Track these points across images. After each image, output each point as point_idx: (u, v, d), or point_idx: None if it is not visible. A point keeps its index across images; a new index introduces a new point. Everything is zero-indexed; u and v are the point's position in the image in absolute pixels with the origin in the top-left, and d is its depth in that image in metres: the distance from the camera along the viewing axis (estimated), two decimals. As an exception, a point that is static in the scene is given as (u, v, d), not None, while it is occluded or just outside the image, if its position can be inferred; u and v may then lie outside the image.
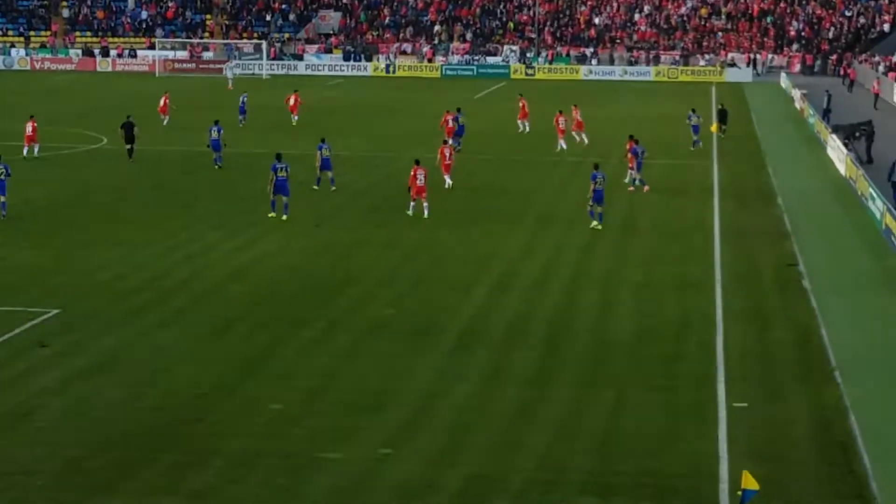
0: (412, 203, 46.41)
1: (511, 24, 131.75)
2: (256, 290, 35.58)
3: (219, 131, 57.85)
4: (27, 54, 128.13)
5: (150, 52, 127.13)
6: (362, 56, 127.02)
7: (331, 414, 25.54)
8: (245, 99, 76.57)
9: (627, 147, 53.56)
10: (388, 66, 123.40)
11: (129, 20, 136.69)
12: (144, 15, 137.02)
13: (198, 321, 32.30)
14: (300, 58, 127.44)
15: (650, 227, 45.65)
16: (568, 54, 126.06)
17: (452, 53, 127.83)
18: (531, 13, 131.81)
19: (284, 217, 45.16)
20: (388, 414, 25.54)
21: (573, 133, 67.07)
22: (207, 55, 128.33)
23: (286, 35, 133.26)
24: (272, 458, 23.05)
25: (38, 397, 26.23)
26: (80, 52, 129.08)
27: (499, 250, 41.26)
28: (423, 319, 32.69)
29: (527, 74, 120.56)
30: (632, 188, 52.79)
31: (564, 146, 64.89)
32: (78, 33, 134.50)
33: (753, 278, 37.81)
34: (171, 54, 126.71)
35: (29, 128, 60.88)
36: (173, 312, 33.13)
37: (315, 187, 51.71)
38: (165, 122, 74.54)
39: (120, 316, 32.64)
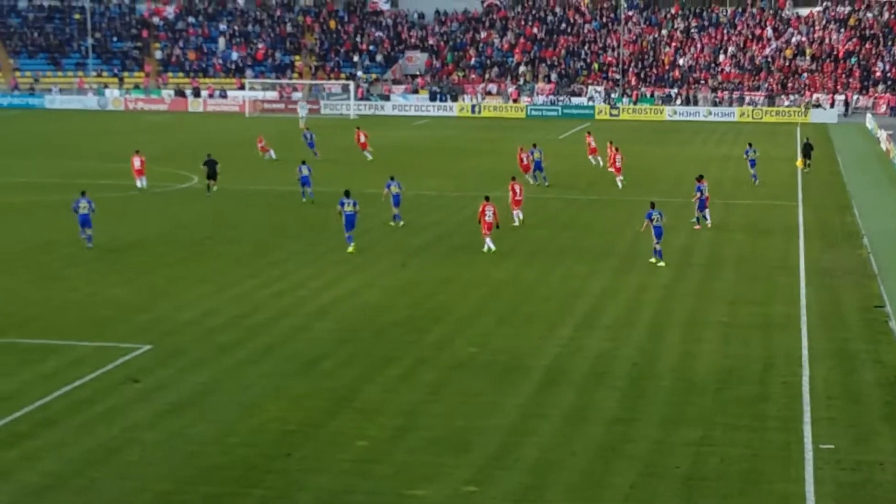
0: (488, 239, 47.41)
1: (596, 65, 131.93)
2: (343, 328, 35.93)
3: (308, 170, 58.98)
4: (121, 95, 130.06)
5: (240, 93, 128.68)
6: (448, 96, 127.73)
7: (416, 451, 25.74)
8: (311, 136, 77.92)
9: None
10: (473, 107, 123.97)
11: (219, 61, 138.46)
12: (235, 56, 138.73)
13: (285, 358, 32.68)
14: (387, 98, 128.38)
15: (735, 266, 45.56)
16: (652, 95, 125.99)
17: (537, 94, 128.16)
18: (616, 54, 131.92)
19: (350, 248, 46.78)
20: (474, 451, 25.71)
21: (611, 171, 68.58)
22: (296, 95, 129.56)
23: (373, 76, 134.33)
24: (358, 495, 23.27)
25: (130, 432, 26.66)
26: (172, 92, 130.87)
27: (583, 289, 41.38)
28: (507, 357, 32.87)
29: (611, 115, 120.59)
30: (697, 226, 52.90)
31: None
32: (170, 74, 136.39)
33: (839, 319, 37.62)
34: (260, 95, 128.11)
35: (137, 162, 64.51)
36: (261, 349, 33.55)
37: (391, 223, 52.32)
38: (268, 158, 76.05)
39: (209, 352, 33.11)
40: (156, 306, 38.21)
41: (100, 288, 40.68)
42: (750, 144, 69.98)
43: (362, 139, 79.10)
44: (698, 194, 53.09)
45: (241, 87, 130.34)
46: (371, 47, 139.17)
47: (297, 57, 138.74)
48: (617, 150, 68.84)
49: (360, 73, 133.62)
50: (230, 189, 63.54)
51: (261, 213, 57.15)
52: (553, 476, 24.39)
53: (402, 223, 53.09)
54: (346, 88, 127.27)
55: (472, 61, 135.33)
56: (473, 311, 38.20)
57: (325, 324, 36.46)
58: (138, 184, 64.13)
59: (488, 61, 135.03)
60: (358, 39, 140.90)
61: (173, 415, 27.81)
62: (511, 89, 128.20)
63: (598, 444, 26.20)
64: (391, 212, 53.22)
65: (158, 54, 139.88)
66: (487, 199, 48.16)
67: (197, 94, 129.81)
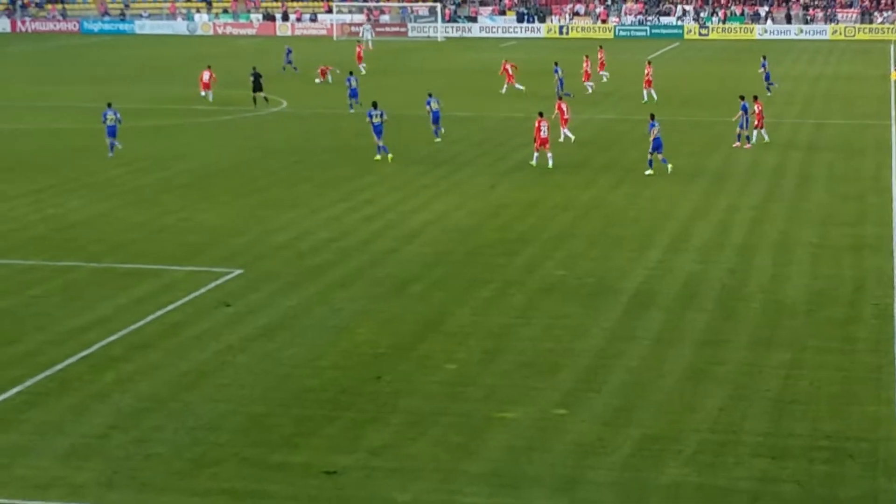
0: (536, 154, 48.30)
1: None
2: (432, 251, 36.08)
3: (356, 80, 61.79)
4: (210, 20, 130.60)
5: (328, 16, 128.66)
6: (536, 17, 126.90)
7: (505, 374, 25.87)
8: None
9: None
10: (561, 28, 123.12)
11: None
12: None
13: (375, 281, 32.90)
14: (474, 20, 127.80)
15: (826, 186, 45.12)
16: (742, 13, 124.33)
17: (626, 14, 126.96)
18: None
19: (389, 157, 49.54)
20: (562, 374, 25.80)
21: (645, 91, 69.68)
22: (384, 19, 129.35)
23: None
24: (448, 417, 23.46)
25: (223, 355, 27.02)
26: (260, 16, 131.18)
27: (672, 210, 41.20)
28: (596, 280, 32.87)
29: (700, 34, 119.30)
30: (736, 144, 53.41)
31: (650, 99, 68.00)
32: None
33: (933, 240, 37.20)
34: (348, 18, 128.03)
35: (206, 76, 68.39)
36: (351, 273, 33.78)
37: (437, 140, 54.31)
38: (319, 82, 76.24)
39: (300, 276, 33.40)
40: (247, 231, 38.56)
41: (192, 213, 41.10)
42: (764, 56, 75.62)
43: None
44: (741, 113, 52.99)
45: (329, 11, 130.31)
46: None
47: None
48: (649, 63, 70.73)
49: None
50: (317, 113, 63.74)
51: (348, 137, 57.28)
52: (642, 398, 24.43)
53: (438, 139, 55.10)
54: (433, 10, 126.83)
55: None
56: (562, 234, 38.19)
57: (415, 247, 36.62)
58: (202, 93, 68.70)
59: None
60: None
61: (264, 338, 28.14)
62: (599, 9, 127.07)
63: (686, 367, 26.19)
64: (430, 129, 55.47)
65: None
66: (541, 114, 49.12)
67: (285, 17, 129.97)
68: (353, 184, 45.93)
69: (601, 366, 26.33)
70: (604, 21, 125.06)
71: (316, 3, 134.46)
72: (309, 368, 26.16)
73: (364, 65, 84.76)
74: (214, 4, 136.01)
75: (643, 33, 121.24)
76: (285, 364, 26.41)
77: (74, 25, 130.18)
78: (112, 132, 51.06)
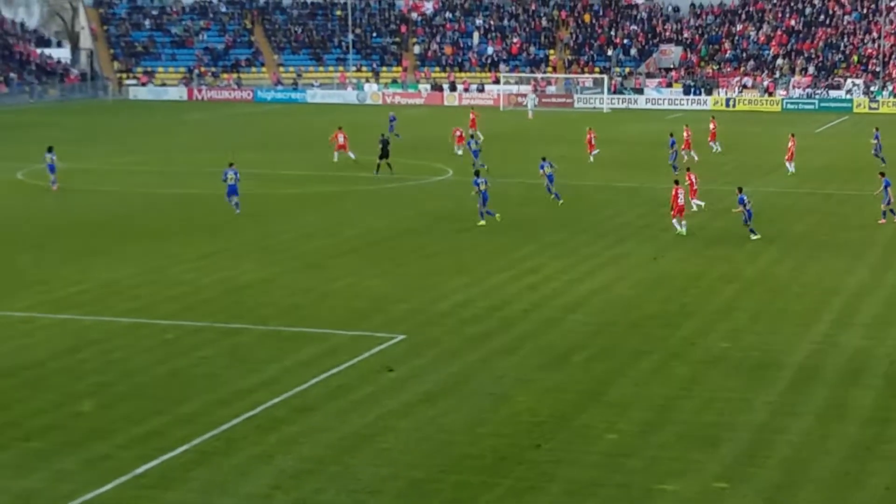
0: (675, 221, 49.56)
1: (855, 57, 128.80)
2: (595, 321, 36.06)
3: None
4: (379, 89, 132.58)
5: (495, 87, 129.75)
6: (702, 90, 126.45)
7: (667, 446, 25.70)
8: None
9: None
10: (728, 100, 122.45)
11: (475, 55, 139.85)
12: (490, 50, 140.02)
13: (537, 350, 32.96)
14: (640, 92, 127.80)
15: None
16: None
17: (793, 87, 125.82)
18: (876, 45, 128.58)
19: (497, 216, 51.17)
20: (724, 448, 25.56)
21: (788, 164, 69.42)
22: (550, 90, 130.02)
23: (627, 69, 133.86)
24: (608, 488, 23.37)
25: (384, 420, 27.27)
26: (428, 86, 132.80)
27: (839, 285, 40.64)
28: (760, 354, 32.53)
29: (870, 108, 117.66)
30: (882, 221, 52.22)
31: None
32: (427, 69, 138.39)
33: None
34: (514, 89, 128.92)
35: (340, 137, 72.69)
36: (513, 341, 33.90)
37: (560, 202, 56.38)
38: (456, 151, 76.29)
39: (462, 343, 33.62)
40: (411, 297, 38.93)
41: (358, 280, 41.62)
42: (876, 128, 74.89)
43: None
44: (881, 189, 52.29)
45: (496, 81, 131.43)
46: (625, 41, 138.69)
47: (552, 51, 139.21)
48: (792, 136, 70.11)
49: (613, 68, 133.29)
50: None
51: (514, 206, 57.56)
52: (805, 475, 24.08)
53: (561, 201, 56.87)
54: (598, 82, 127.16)
55: (728, 54, 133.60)
56: (726, 307, 37.90)
57: (578, 316, 36.64)
58: (335, 157, 72.67)
59: (744, 54, 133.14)
60: (612, 33, 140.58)
61: (426, 404, 28.35)
62: (767, 82, 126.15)
63: (852, 443, 25.76)
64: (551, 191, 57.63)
65: (416, 49, 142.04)
66: (677, 182, 50.22)
67: (453, 88, 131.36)
68: (516, 252, 46.13)
69: (764, 440, 26.03)
70: (770, 94, 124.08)
71: (483, 75, 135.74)
72: (469, 435, 26.28)
73: (478, 132, 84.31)
74: (383, 75, 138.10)
75: (811, 106, 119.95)
76: (446, 430, 26.56)
77: (248, 94, 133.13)
78: (233, 191, 54.47)
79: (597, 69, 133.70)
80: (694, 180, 55.06)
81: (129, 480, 23.56)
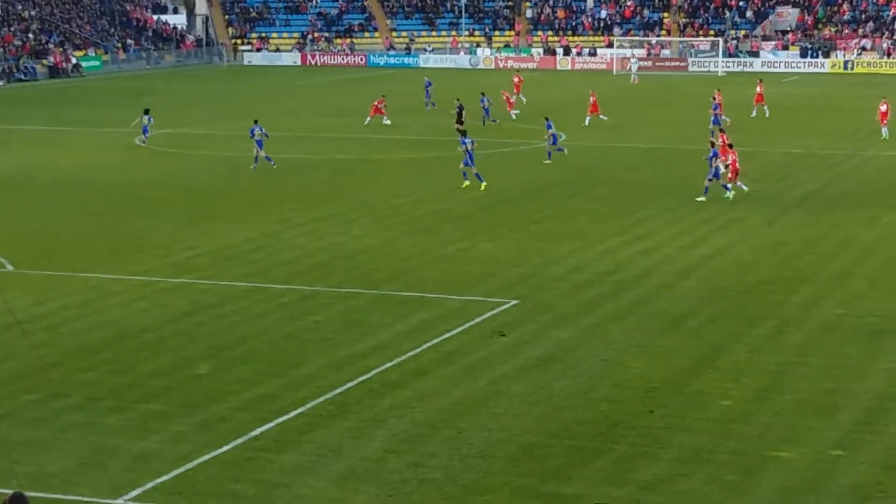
0: (733, 183, 49.22)
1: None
2: (708, 286, 35.77)
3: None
4: (492, 54, 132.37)
5: (608, 51, 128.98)
6: (820, 52, 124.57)
7: (781, 413, 25.45)
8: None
9: None
10: (846, 63, 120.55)
11: (588, 19, 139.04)
12: (604, 14, 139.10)
13: (650, 315, 32.79)
14: (756, 55, 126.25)
15: None
16: None
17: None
18: None
19: (482, 186, 50.86)
20: (841, 415, 25.26)
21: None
22: (665, 53, 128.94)
23: (742, 32, 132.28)
24: (721, 454, 23.22)
25: (496, 384, 27.30)
26: (541, 50, 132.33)
27: (960, 252, 39.94)
28: (877, 320, 32.08)
29: None
30: None
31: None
32: (540, 32, 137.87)
33: None
34: (628, 52, 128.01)
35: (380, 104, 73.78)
36: (626, 306, 33.75)
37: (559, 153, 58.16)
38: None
39: (574, 308, 33.54)
40: (524, 262, 38.90)
41: (471, 244, 41.67)
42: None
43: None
44: None
45: (610, 45, 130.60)
46: (741, 3, 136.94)
47: (666, 14, 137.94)
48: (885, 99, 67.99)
49: (728, 30, 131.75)
50: (592, 147, 63.92)
51: (625, 170, 57.25)
52: (923, 443, 23.75)
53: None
54: (714, 45, 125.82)
55: (846, 16, 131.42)
56: (842, 272, 37.40)
57: (691, 282, 36.38)
58: (367, 120, 75.00)
59: (863, 16, 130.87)
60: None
61: (538, 369, 28.34)
62: (886, 44, 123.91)
63: (972, 412, 25.35)
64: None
65: (529, 13, 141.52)
66: (731, 146, 50.12)
67: (566, 52, 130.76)
68: (628, 217, 45.89)
69: (882, 408, 25.68)
70: (890, 55, 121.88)
71: (597, 38, 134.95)
72: (581, 400, 26.24)
73: (522, 97, 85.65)
74: (496, 39, 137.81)
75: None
76: (558, 395, 26.54)
77: (361, 59, 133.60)
78: (260, 145, 57.90)
79: (712, 32, 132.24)
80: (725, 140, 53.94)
81: (245, 442, 23.84)
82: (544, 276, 37.19)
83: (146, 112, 67.13)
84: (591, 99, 74.36)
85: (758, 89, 79.40)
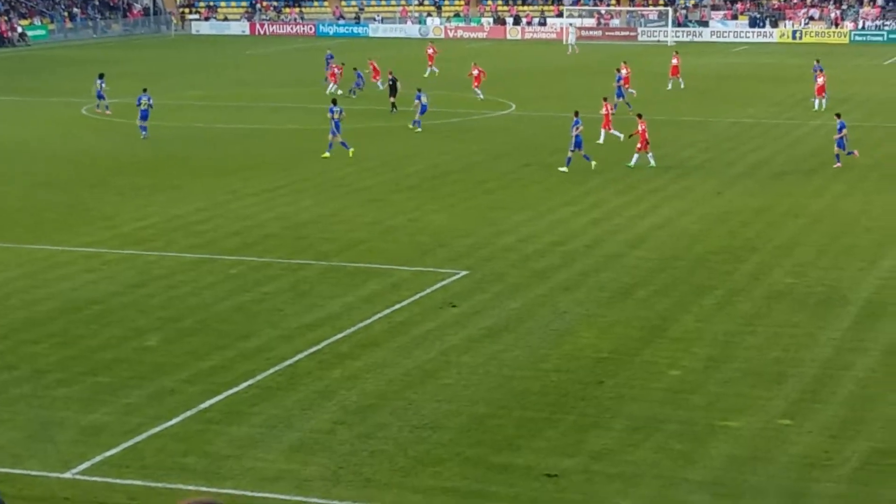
0: (637, 156, 49.47)
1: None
2: (658, 256, 35.88)
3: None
4: (441, 23, 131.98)
5: (558, 20, 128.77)
6: (768, 22, 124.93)
7: (730, 382, 25.60)
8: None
9: None
10: (794, 33, 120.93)
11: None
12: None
13: (600, 286, 32.86)
14: (705, 24, 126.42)
15: None
16: None
17: (862, 18, 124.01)
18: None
19: (350, 152, 51.52)
20: (789, 384, 25.42)
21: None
22: (614, 23, 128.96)
23: (692, 2, 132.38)
24: (671, 424, 23.33)
25: (447, 355, 27.31)
26: (491, 20, 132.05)
27: (907, 221, 40.24)
28: (825, 289, 32.29)
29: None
30: (837, 164, 49.47)
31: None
32: (490, 2, 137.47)
33: None
34: (578, 22, 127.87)
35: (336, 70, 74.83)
36: (576, 276, 33.81)
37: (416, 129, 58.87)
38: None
39: (525, 279, 33.57)
40: (474, 232, 38.88)
41: (421, 215, 41.61)
42: (817, 60, 70.69)
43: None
44: (842, 132, 49.60)
45: (560, 15, 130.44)
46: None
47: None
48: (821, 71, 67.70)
49: (678, 0, 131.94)
50: (544, 116, 63.94)
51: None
52: (871, 411, 23.92)
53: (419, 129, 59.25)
54: (662, 15, 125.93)
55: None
56: (791, 242, 37.60)
57: (641, 252, 36.47)
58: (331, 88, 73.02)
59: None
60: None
61: (488, 339, 28.36)
62: (834, 14, 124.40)
63: (918, 380, 25.56)
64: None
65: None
66: (640, 116, 50.30)
67: (517, 21, 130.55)
68: (580, 188, 45.94)
69: (829, 377, 25.87)
70: (838, 25, 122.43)
71: (547, 8, 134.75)
72: (531, 371, 26.29)
73: (435, 68, 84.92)
74: (445, 8, 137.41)
75: (880, 38, 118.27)
76: (508, 366, 26.58)
77: (310, 28, 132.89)
78: (144, 116, 57.37)
79: (661, 2, 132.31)
80: (609, 107, 55.15)
81: (194, 415, 23.77)
82: (494, 246, 37.18)
83: (100, 77, 66.24)
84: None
85: (674, 61, 77.74)
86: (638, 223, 40.15)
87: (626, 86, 68.83)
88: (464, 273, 34.05)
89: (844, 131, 48.63)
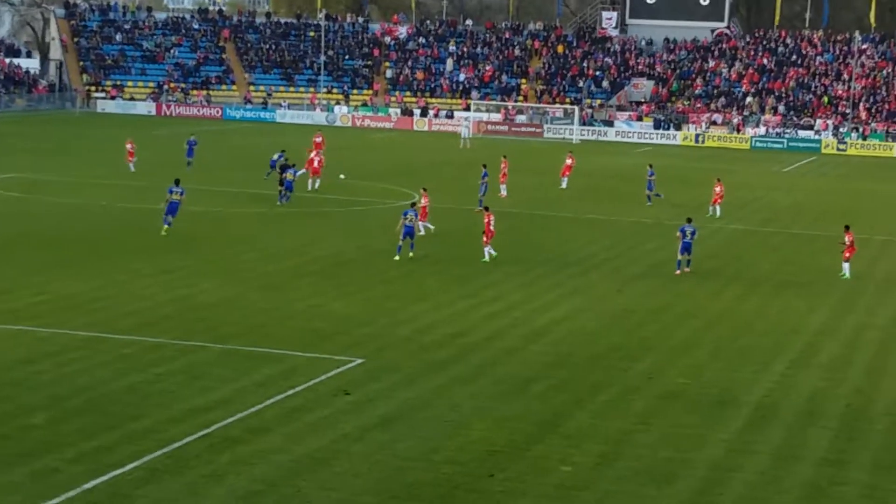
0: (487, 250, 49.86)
1: (826, 98, 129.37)
2: (556, 352, 35.98)
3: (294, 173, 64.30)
4: (349, 111, 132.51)
5: (464, 114, 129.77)
6: (672, 125, 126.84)
7: (621, 480, 25.61)
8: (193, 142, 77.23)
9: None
10: (697, 136, 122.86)
11: (447, 82, 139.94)
12: (462, 77, 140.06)
13: (496, 379, 32.84)
14: (611, 124, 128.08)
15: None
16: (887, 131, 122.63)
17: (763, 125, 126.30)
18: (847, 87, 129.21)
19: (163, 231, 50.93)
20: (678, 484, 25.48)
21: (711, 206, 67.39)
22: (521, 118, 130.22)
23: (598, 101, 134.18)
24: (560, 519, 23.27)
25: (338, 443, 27.09)
26: (398, 110, 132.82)
27: (801, 325, 40.70)
28: (718, 391, 32.50)
29: (838, 149, 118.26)
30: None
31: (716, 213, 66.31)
32: (398, 93, 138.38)
33: None
34: (485, 116, 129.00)
35: (129, 146, 75.45)
36: (473, 369, 33.78)
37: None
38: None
39: (421, 369, 33.48)
40: (372, 321, 38.78)
41: (322, 301, 41.45)
42: (650, 165, 72.16)
43: (568, 162, 77.64)
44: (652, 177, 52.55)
45: (467, 108, 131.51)
46: (598, 73, 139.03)
47: (524, 80, 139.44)
48: (719, 181, 68.03)
49: (585, 99, 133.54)
50: (452, 209, 64.15)
51: (479, 233, 57.41)
52: (758, 513, 24.02)
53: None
54: (568, 113, 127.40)
55: (699, 90, 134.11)
56: (687, 342, 37.90)
57: (538, 346, 36.56)
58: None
59: (715, 91, 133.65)
60: (585, 65, 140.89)
61: (381, 428, 28.19)
62: (736, 120, 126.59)
63: (806, 484, 25.73)
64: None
65: (388, 73, 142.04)
66: (487, 208, 51.54)
67: (424, 112, 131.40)
68: (479, 280, 46.05)
69: (718, 478, 25.97)
70: (739, 131, 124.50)
71: (455, 101, 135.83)
72: (423, 462, 26.14)
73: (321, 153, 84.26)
74: (354, 97, 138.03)
75: (780, 145, 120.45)
76: (400, 456, 26.42)
77: (217, 112, 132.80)
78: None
79: (568, 100, 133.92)
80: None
81: (77, 495, 23.32)
82: (392, 335, 37.11)
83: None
84: (569, 161, 74.26)
85: (568, 161, 78.13)
86: (537, 318, 40.27)
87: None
88: (360, 361, 33.91)
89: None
